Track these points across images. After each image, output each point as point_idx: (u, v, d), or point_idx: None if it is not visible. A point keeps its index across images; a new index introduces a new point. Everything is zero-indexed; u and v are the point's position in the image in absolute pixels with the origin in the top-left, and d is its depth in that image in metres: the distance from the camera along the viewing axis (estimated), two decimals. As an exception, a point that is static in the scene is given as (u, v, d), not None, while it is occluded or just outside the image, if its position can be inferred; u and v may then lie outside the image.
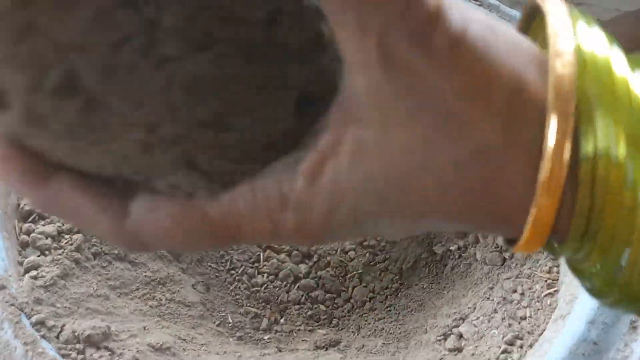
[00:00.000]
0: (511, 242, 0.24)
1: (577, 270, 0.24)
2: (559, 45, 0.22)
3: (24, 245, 0.61)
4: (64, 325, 0.55)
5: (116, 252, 0.65)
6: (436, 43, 0.20)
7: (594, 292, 0.24)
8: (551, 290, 0.61)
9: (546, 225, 0.21)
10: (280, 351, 0.72)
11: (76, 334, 0.54)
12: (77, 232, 0.63)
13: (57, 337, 0.54)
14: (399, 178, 0.22)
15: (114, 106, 0.22)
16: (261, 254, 0.83)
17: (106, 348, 0.55)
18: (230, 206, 0.24)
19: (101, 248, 0.64)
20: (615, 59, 0.22)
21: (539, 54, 0.22)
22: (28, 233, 0.62)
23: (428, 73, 0.20)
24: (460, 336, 0.68)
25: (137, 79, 0.21)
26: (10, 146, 0.24)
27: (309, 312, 0.81)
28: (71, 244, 0.62)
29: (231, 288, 0.80)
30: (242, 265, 0.81)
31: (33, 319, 0.54)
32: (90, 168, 0.24)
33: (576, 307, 0.56)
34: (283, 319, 0.79)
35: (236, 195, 0.24)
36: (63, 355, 0.53)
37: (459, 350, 0.67)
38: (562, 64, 0.21)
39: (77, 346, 0.54)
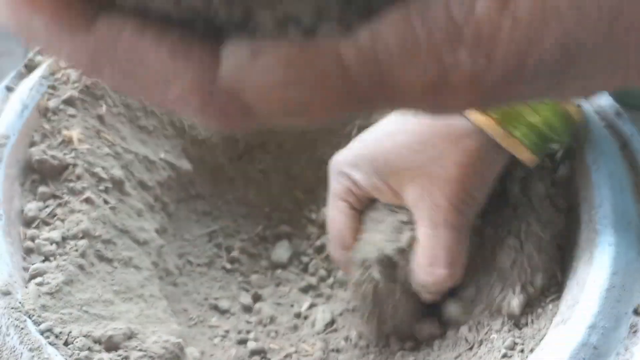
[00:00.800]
0: None
1: None
2: None
3: (28, 252, 0.62)
4: (70, 331, 0.55)
5: (120, 256, 0.66)
6: None
7: None
8: (553, 297, 0.62)
9: None
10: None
11: (85, 339, 0.55)
12: (82, 238, 0.63)
13: (65, 343, 0.54)
14: None
15: None
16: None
17: (112, 351, 0.56)
18: (374, 44, 0.16)
19: (106, 254, 0.65)
20: None
21: None
22: (32, 239, 0.62)
23: None
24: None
25: None
26: None
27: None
28: (76, 250, 0.62)
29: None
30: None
31: (42, 327, 0.55)
32: (152, 5, 0.17)
33: (577, 311, 0.56)
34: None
35: (382, 27, 0.16)
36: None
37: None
38: None
39: (85, 352, 0.54)
